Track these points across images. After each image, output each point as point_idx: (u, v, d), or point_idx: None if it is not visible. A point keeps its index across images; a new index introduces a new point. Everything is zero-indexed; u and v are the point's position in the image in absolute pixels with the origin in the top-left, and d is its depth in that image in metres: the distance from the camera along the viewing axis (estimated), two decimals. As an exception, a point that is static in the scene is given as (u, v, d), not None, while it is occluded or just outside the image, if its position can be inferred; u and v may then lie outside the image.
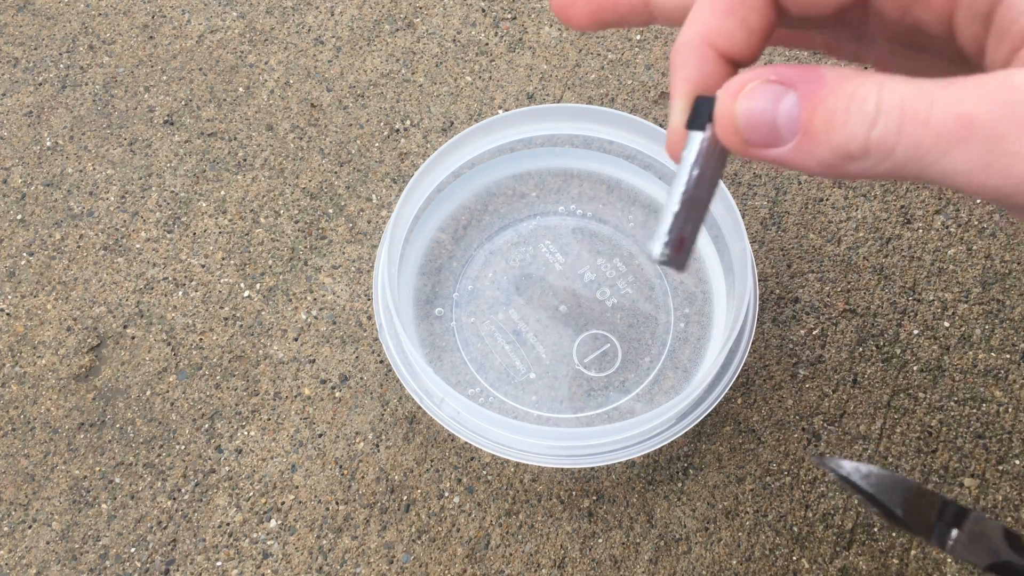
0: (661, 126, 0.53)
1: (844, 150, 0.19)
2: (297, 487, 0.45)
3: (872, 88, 0.19)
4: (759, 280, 0.48)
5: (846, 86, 0.19)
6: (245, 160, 0.53)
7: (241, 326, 0.49)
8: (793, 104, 0.20)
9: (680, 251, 0.26)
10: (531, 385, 0.45)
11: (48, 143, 0.54)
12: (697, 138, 0.25)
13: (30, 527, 0.45)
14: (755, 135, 0.21)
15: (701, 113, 0.25)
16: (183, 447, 0.46)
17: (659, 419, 0.39)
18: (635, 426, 0.39)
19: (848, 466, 0.28)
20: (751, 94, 0.20)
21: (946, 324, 0.48)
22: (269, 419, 0.47)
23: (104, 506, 0.45)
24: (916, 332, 0.48)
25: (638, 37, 0.56)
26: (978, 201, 0.51)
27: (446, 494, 0.45)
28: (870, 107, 0.19)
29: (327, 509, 0.45)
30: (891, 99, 0.19)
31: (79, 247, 0.51)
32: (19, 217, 0.52)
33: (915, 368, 0.47)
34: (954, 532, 0.27)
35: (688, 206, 0.26)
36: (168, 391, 0.48)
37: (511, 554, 0.44)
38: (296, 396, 0.47)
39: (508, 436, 0.40)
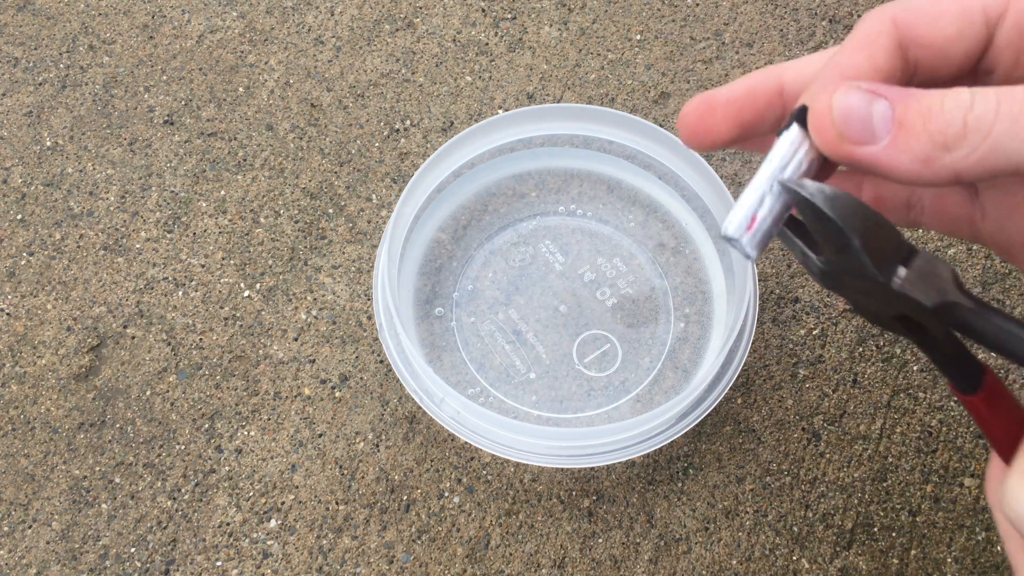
0: (661, 126, 0.53)
1: (941, 137, 0.20)
2: (297, 487, 0.45)
3: (963, 88, 0.20)
4: (759, 280, 0.48)
5: (935, 92, 0.20)
6: (245, 160, 0.53)
7: (241, 326, 0.49)
8: (886, 107, 0.20)
9: (750, 229, 0.26)
10: (531, 385, 0.45)
11: (48, 143, 0.54)
12: (788, 135, 0.26)
13: (30, 527, 0.45)
14: (850, 129, 0.21)
15: (793, 119, 0.26)
16: (183, 447, 0.46)
17: (659, 419, 0.39)
18: (635, 426, 0.39)
19: (811, 186, 0.25)
20: (847, 92, 0.21)
21: (946, 324, 0.48)
22: (269, 419, 0.47)
23: (104, 506, 0.45)
24: (916, 332, 0.48)
25: (638, 37, 0.56)
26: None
27: (446, 494, 0.45)
28: (965, 95, 0.20)
29: (327, 509, 0.45)
30: (984, 90, 0.19)
31: (79, 247, 0.51)
32: (19, 217, 0.52)
33: (915, 368, 0.47)
34: (902, 270, 0.25)
35: (766, 192, 0.26)
36: (168, 391, 0.48)
37: (511, 554, 0.44)
38: (296, 396, 0.47)
39: (508, 436, 0.40)
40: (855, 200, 0.25)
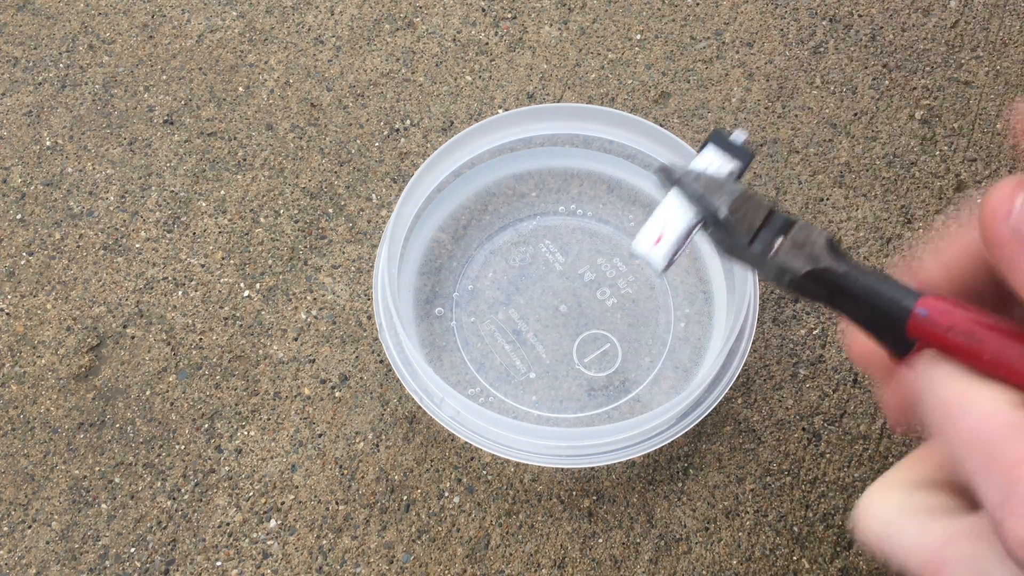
0: (661, 126, 0.53)
1: None
2: (297, 487, 0.45)
3: None
4: (759, 279, 0.48)
5: None
6: (245, 160, 0.53)
7: (241, 326, 0.49)
8: None
9: (656, 243, 0.30)
10: (531, 385, 0.45)
11: (48, 143, 0.54)
12: (701, 158, 0.30)
13: (30, 527, 0.45)
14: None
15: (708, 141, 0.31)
16: (183, 447, 0.46)
17: (659, 419, 0.39)
18: (635, 426, 0.39)
19: (680, 169, 0.29)
20: None
21: (946, 324, 0.48)
22: (269, 419, 0.47)
23: (104, 506, 0.45)
24: (916, 332, 0.48)
25: (638, 37, 0.56)
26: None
27: (446, 494, 0.45)
28: None
29: (327, 509, 0.45)
30: None
31: (79, 247, 0.51)
32: (19, 217, 0.52)
33: (915, 368, 0.47)
34: (779, 240, 0.27)
35: (679, 214, 0.29)
36: (168, 391, 0.48)
37: (511, 554, 0.44)
38: (296, 396, 0.47)
39: (508, 436, 0.40)
40: (721, 178, 0.29)
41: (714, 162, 0.31)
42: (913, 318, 0.23)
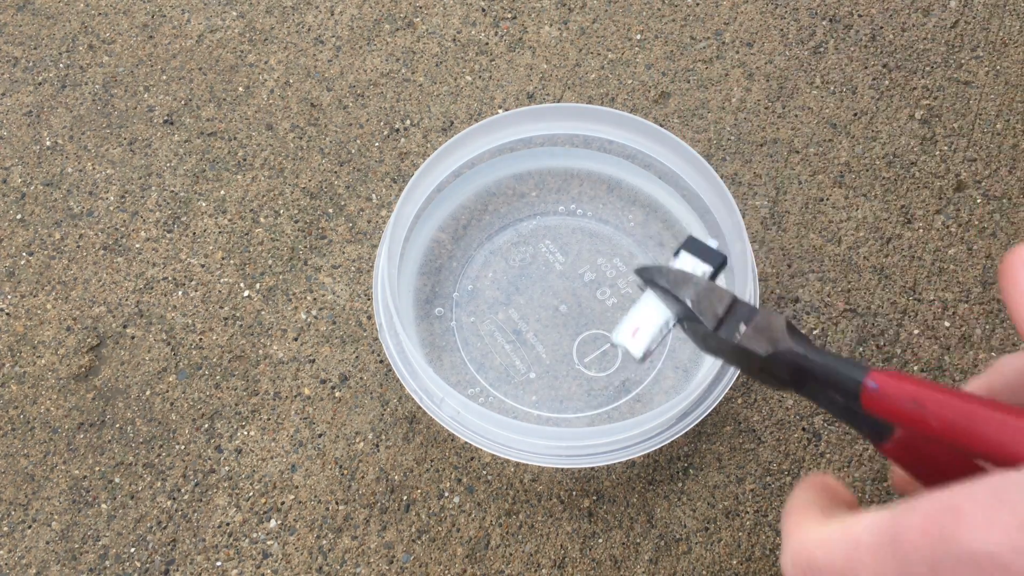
0: (661, 126, 0.53)
1: None
2: (297, 487, 0.45)
3: None
4: (759, 280, 0.48)
5: None
6: (245, 160, 0.53)
7: (241, 326, 0.49)
8: None
9: (634, 335, 0.34)
10: (531, 385, 0.45)
11: (48, 143, 0.54)
12: (678, 261, 0.35)
13: (30, 527, 0.45)
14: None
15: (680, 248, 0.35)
16: (183, 447, 0.46)
17: (659, 419, 0.39)
18: (635, 426, 0.39)
19: (653, 268, 0.33)
20: None
21: (947, 324, 0.48)
22: (269, 419, 0.47)
23: (104, 506, 0.45)
24: (916, 332, 0.48)
25: (638, 37, 0.56)
26: (978, 201, 0.51)
27: (446, 494, 0.45)
28: None
29: (327, 509, 0.45)
30: None
31: (79, 247, 0.51)
32: (19, 217, 0.52)
33: (915, 368, 0.47)
34: (743, 327, 0.30)
35: (654, 309, 0.34)
36: (168, 391, 0.48)
37: (511, 554, 0.44)
38: (296, 396, 0.47)
39: (508, 436, 0.40)
40: (687, 273, 0.33)
41: (688, 265, 0.35)
42: (864, 390, 0.25)
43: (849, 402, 0.26)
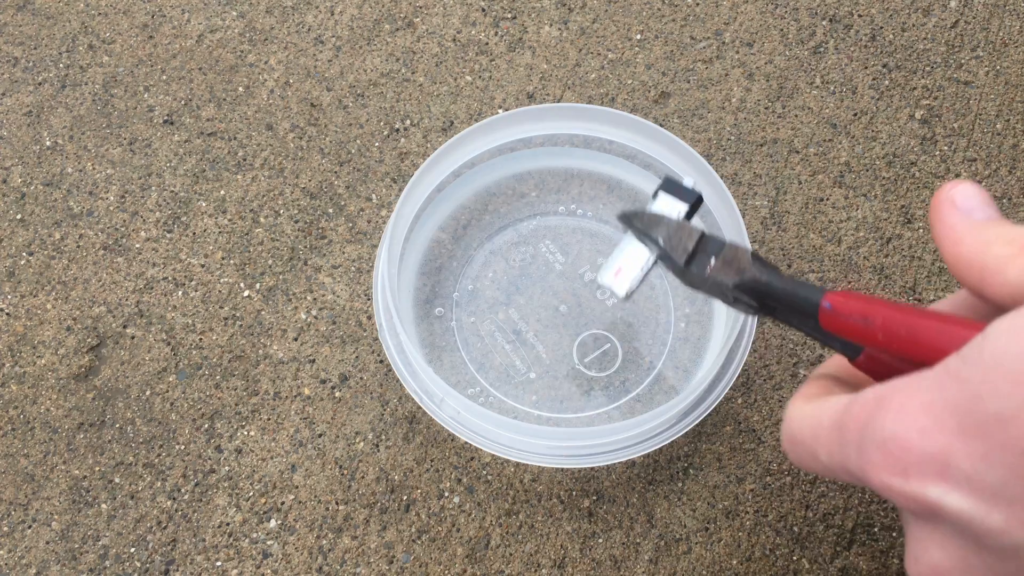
0: (662, 126, 0.53)
1: None
2: (297, 487, 0.45)
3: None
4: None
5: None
6: (245, 160, 0.53)
7: (241, 326, 0.49)
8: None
9: (616, 275, 0.37)
10: (531, 385, 0.45)
11: (48, 143, 0.54)
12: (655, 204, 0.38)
13: (30, 527, 0.45)
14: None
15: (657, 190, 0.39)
16: (183, 447, 0.46)
17: (659, 419, 0.39)
18: (636, 426, 0.39)
19: (631, 212, 0.36)
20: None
21: (946, 324, 0.48)
22: (269, 419, 0.47)
23: (104, 506, 0.45)
24: (916, 332, 0.48)
25: (638, 37, 0.56)
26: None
27: (446, 494, 0.45)
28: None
29: (327, 509, 0.45)
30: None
31: (79, 247, 0.51)
32: (19, 217, 0.52)
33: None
34: (713, 260, 0.32)
35: (635, 251, 0.37)
36: (168, 391, 0.48)
37: (511, 554, 0.44)
38: (296, 396, 0.47)
39: (508, 436, 0.40)
40: (659, 214, 0.36)
41: (666, 206, 0.38)
42: (821, 311, 0.27)
43: (810, 323, 0.28)
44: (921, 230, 0.50)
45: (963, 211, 0.25)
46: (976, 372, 0.20)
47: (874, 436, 0.22)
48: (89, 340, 0.49)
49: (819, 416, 0.25)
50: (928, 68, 0.55)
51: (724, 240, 0.33)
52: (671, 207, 0.38)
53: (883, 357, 0.27)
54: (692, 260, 0.33)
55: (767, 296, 0.30)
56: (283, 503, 0.45)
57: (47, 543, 0.45)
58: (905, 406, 0.22)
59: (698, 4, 0.57)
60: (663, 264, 0.35)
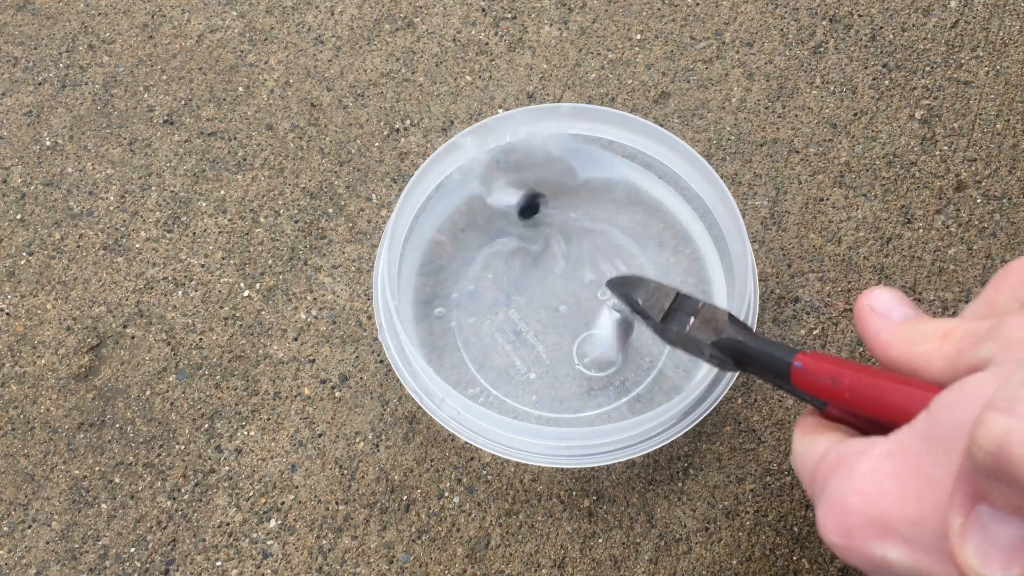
0: (662, 126, 0.53)
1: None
2: (297, 487, 0.45)
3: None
4: (759, 280, 0.48)
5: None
6: (245, 160, 0.53)
7: (241, 326, 0.49)
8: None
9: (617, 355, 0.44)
10: (531, 385, 0.45)
11: (48, 143, 0.54)
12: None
13: (30, 527, 0.45)
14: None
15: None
16: (183, 447, 0.46)
17: (660, 419, 0.39)
18: (636, 426, 0.39)
19: (615, 277, 0.40)
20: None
21: (946, 324, 0.48)
22: (269, 419, 0.47)
23: (104, 506, 0.45)
24: (916, 332, 0.48)
25: (638, 37, 0.56)
26: (978, 201, 0.51)
27: (446, 494, 0.45)
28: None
29: (327, 509, 0.45)
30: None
31: (79, 247, 0.51)
32: (19, 217, 0.52)
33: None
34: (692, 319, 0.35)
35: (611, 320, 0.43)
36: (168, 391, 0.48)
37: (511, 554, 0.44)
38: (296, 396, 0.47)
39: (509, 436, 0.40)
40: (638, 276, 0.39)
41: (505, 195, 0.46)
42: (792, 370, 0.29)
43: (783, 382, 0.30)
44: (921, 230, 0.50)
45: (883, 315, 0.27)
46: (920, 442, 0.23)
47: (826, 498, 0.25)
48: (89, 340, 0.49)
49: (805, 459, 0.27)
50: (928, 68, 0.55)
51: (699, 300, 0.36)
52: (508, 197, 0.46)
53: (849, 413, 0.28)
54: (669, 318, 0.36)
55: (742, 355, 0.32)
56: (283, 503, 0.45)
57: (47, 543, 0.45)
58: (854, 471, 0.24)
59: (698, 4, 0.57)
60: (642, 322, 0.38)
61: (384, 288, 0.42)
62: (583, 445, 0.40)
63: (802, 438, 0.28)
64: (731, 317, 0.34)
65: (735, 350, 0.33)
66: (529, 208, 0.47)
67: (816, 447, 0.27)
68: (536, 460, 0.41)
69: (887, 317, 0.27)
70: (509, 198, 0.47)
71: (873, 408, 0.26)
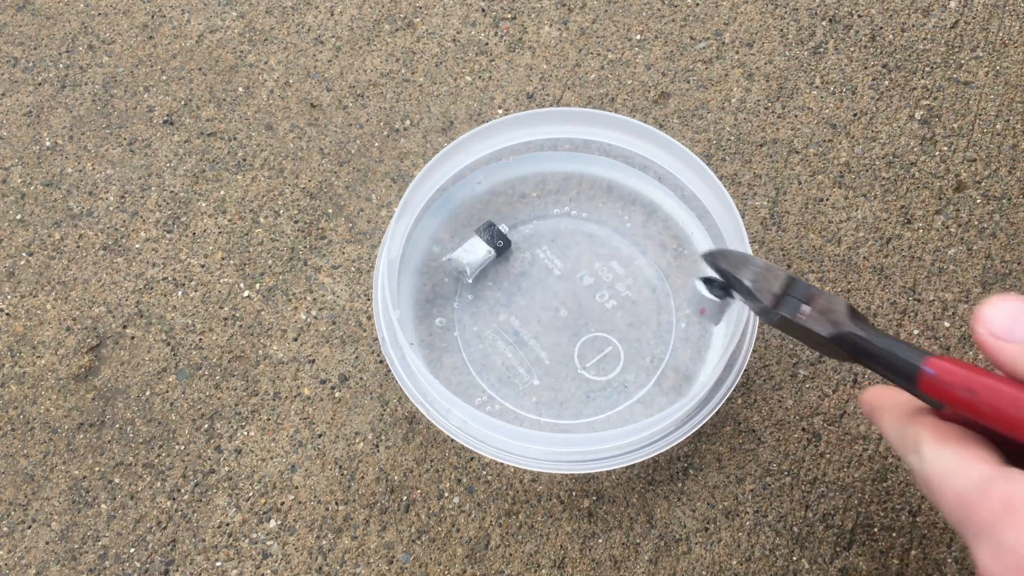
0: (661, 127, 0.53)
1: None
2: (297, 487, 0.45)
3: None
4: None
5: None
6: (245, 160, 0.53)
7: (241, 326, 0.49)
8: None
9: (702, 314, 0.39)
10: (532, 389, 0.45)
11: (48, 143, 0.54)
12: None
13: (30, 527, 0.45)
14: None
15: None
16: (183, 447, 0.46)
17: (663, 423, 0.39)
18: (639, 431, 0.39)
19: (715, 250, 0.36)
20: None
21: (946, 324, 0.48)
22: (269, 419, 0.47)
23: (104, 506, 0.45)
24: (916, 332, 0.48)
25: (638, 37, 0.56)
26: (978, 201, 0.51)
27: (446, 494, 0.45)
28: None
29: (327, 509, 0.45)
30: None
31: (79, 247, 0.51)
32: (19, 217, 0.52)
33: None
34: (805, 307, 0.32)
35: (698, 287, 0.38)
36: (168, 391, 0.48)
37: (511, 554, 0.44)
38: (296, 396, 0.47)
39: (511, 442, 0.40)
40: (744, 255, 0.35)
41: (477, 247, 0.46)
42: (922, 376, 0.27)
43: (906, 383, 0.28)
44: (921, 230, 0.50)
45: (1007, 338, 0.26)
46: None
47: (998, 543, 0.24)
48: (89, 340, 0.49)
49: (953, 481, 0.26)
50: (928, 68, 0.55)
51: (812, 286, 0.33)
52: (479, 250, 0.46)
53: (980, 424, 0.27)
54: (779, 303, 0.33)
55: (861, 351, 0.31)
56: (283, 503, 0.45)
57: (47, 543, 0.45)
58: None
59: (698, 4, 0.57)
60: (747, 303, 0.35)
61: (384, 290, 0.42)
62: (587, 451, 0.40)
63: (942, 450, 0.27)
64: (850, 309, 0.32)
65: (855, 346, 0.31)
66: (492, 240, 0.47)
67: (970, 472, 0.25)
68: (535, 466, 0.41)
69: (1013, 340, 0.26)
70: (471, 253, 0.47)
71: (1018, 430, 0.25)
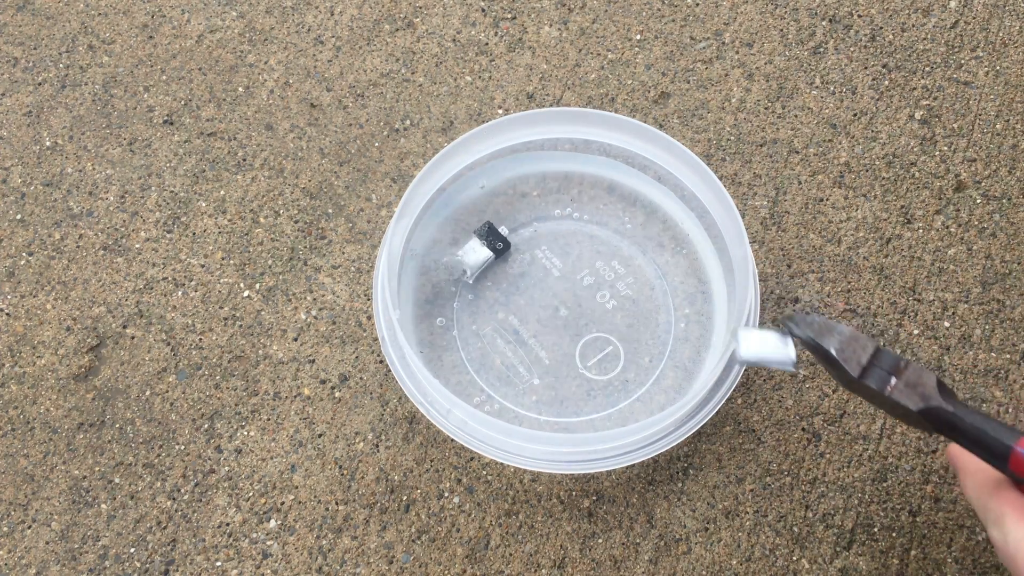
0: (661, 127, 0.53)
1: None
2: (297, 487, 0.45)
3: None
4: (759, 280, 0.48)
5: None
6: (245, 160, 0.53)
7: (241, 326, 0.49)
8: None
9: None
10: (533, 388, 0.45)
11: (48, 143, 0.54)
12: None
13: (30, 527, 0.45)
14: None
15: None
16: (183, 447, 0.46)
17: (663, 423, 0.39)
18: (640, 430, 0.39)
19: (798, 317, 0.35)
20: None
21: (946, 324, 0.48)
22: (269, 419, 0.47)
23: (104, 506, 0.45)
24: (916, 332, 0.48)
25: (638, 37, 0.56)
26: (978, 201, 0.51)
27: (446, 494, 0.45)
28: None
29: (327, 509, 0.45)
30: None
31: (79, 247, 0.51)
32: (19, 217, 0.52)
33: (915, 368, 0.47)
34: (893, 379, 0.32)
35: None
36: (168, 391, 0.48)
37: (511, 554, 0.44)
38: (296, 396, 0.47)
39: (511, 442, 0.40)
40: (829, 321, 0.35)
41: (476, 250, 0.47)
42: (1014, 456, 0.28)
43: (996, 461, 0.29)
44: (921, 230, 0.50)
45: None
46: None
47: None
48: (89, 340, 0.49)
49: None
50: (928, 68, 0.55)
51: (900, 357, 0.33)
52: (479, 252, 0.46)
53: None
54: (866, 373, 0.33)
55: (950, 426, 0.30)
56: (283, 503, 0.45)
57: (47, 543, 0.45)
58: None
59: (698, 4, 0.57)
60: (831, 372, 0.35)
61: (384, 290, 0.42)
62: (589, 451, 0.40)
63: None
64: (940, 383, 0.32)
65: (944, 421, 0.31)
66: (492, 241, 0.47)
67: None
68: (542, 467, 0.41)
69: None
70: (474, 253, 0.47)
71: None
